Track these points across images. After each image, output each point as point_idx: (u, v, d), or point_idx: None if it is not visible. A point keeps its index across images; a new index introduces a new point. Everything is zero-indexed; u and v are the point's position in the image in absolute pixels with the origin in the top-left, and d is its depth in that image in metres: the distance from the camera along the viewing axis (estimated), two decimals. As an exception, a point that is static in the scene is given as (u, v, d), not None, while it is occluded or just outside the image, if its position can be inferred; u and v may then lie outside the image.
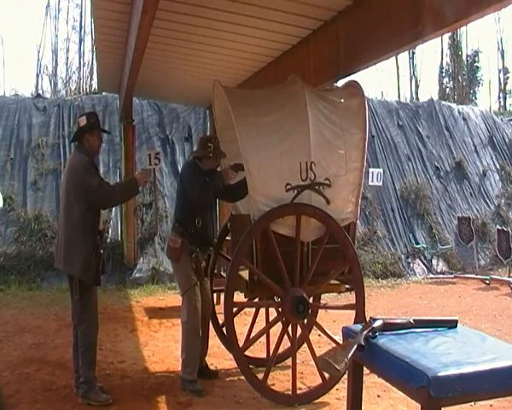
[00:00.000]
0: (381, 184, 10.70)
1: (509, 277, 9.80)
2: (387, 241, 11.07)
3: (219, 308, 4.74)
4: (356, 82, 4.58)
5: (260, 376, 4.10)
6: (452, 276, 10.43)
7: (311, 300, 4.30)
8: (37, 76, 19.12)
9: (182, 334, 4.34)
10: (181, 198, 4.51)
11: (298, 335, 4.28)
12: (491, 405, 3.92)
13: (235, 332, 4.09)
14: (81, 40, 19.39)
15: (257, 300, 4.71)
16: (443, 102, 14.46)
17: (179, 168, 10.61)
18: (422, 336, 2.12)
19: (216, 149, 4.43)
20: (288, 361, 4.50)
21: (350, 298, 5.16)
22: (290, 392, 4.12)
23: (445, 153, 12.91)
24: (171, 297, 7.87)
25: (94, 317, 4.11)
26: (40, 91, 15.28)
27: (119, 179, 10.14)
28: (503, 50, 23.52)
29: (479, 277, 10.01)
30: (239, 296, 4.60)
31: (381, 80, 37.71)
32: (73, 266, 3.97)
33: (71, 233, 3.99)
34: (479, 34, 43.98)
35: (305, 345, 4.40)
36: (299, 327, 4.23)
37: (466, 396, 1.82)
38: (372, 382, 4.15)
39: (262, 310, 5.12)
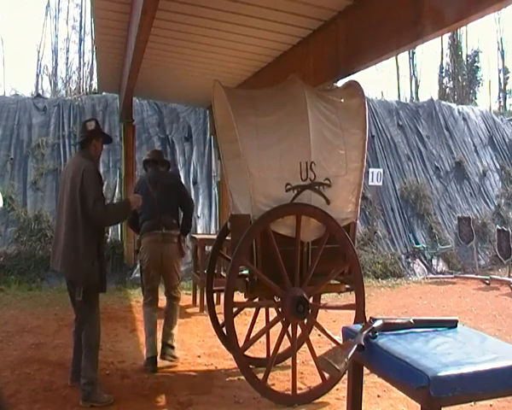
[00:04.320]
0: (381, 184, 10.70)
1: (509, 277, 9.80)
2: (387, 241, 11.07)
3: (219, 308, 4.75)
4: (356, 82, 4.58)
5: (260, 376, 4.10)
6: (452, 276, 10.43)
7: (311, 300, 4.30)
8: (37, 76, 19.11)
9: (174, 312, 5.03)
10: (176, 202, 5.09)
11: (298, 335, 4.28)
12: (491, 405, 3.92)
13: (235, 332, 4.09)
14: (81, 40, 19.37)
15: (257, 300, 4.71)
16: (443, 102, 14.47)
17: (179, 168, 10.63)
18: (422, 336, 2.12)
19: None
20: (288, 361, 4.50)
21: (350, 298, 5.16)
22: (290, 392, 4.11)
23: (445, 153, 12.91)
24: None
25: (98, 317, 4.12)
26: (40, 91, 15.27)
27: (118, 179, 10.16)
28: (503, 50, 23.51)
29: (479, 277, 10.02)
30: (239, 296, 4.60)
31: (381, 80, 37.69)
32: (76, 272, 3.97)
33: (72, 237, 3.95)
34: (479, 34, 44.03)
35: (305, 345, 4.40)
36: (299, 327, 4.23)
37: (466, 396, 1.82)
38: (372, 382, 4.15)
39: (262, 310, 5.12)
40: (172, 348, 4.92)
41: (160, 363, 5.01)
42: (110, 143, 4.91)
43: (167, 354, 4.89)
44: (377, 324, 2.12)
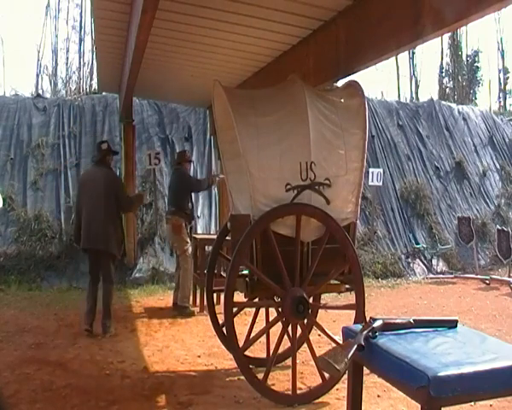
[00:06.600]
0: (381, 184, 10.70)
1: (509, 277, 9.80)
2: (387, 241, 11.07)
3: (219, 308, 4.75)
4: (356, 82, 4.58)
5: (260, 376, 4.10)
6: (452, 276, 10.43)
7: (311, 300, 4.30)
8: (37, 76, 19.07)
9: (182, 276, 6.95)
10: (180, 190, 7.15)
11: (298, 335, 4.27)
12: (491, 405, 3.92)
13: (235, 332, 4.09)
14: (81, 40, 19.32)
15: (257, 300, 4.71)
16: (443, 102, 14.46)
17: (179, 168, 10.62)
18: (422, 336, 2.12)
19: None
20: (288, 361, 4.50)
21: (350, 298, 5.16)
22: (290, 392, 4.11)
23: (445, 153, 12.91)
24: (171, 297, 7.86)
25: None
26: (40, 91, 15.26)
27: (119, 179, 10.16)
28: (503, 50, 23.45)
29: (479, 277, 10.01)
30: (239, 296, 4.60)
31: (381, 80, 37.63)
32: (114, 246, 5.80)
33: (111, 223, 5.77)
34: (479, 34, 43.99)
35: (305, 345, 4.40)
36: (299, 327, 4.23)
37: (466, 396, 1.82)
38: (372, 382, 4.14)
39: (262, 310, 5.12)
40: (179, 307, 6.97)
41: (160, 364, 5.02)
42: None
43: (178, 315, 6.87)
44: (377, 324, 2.12)
